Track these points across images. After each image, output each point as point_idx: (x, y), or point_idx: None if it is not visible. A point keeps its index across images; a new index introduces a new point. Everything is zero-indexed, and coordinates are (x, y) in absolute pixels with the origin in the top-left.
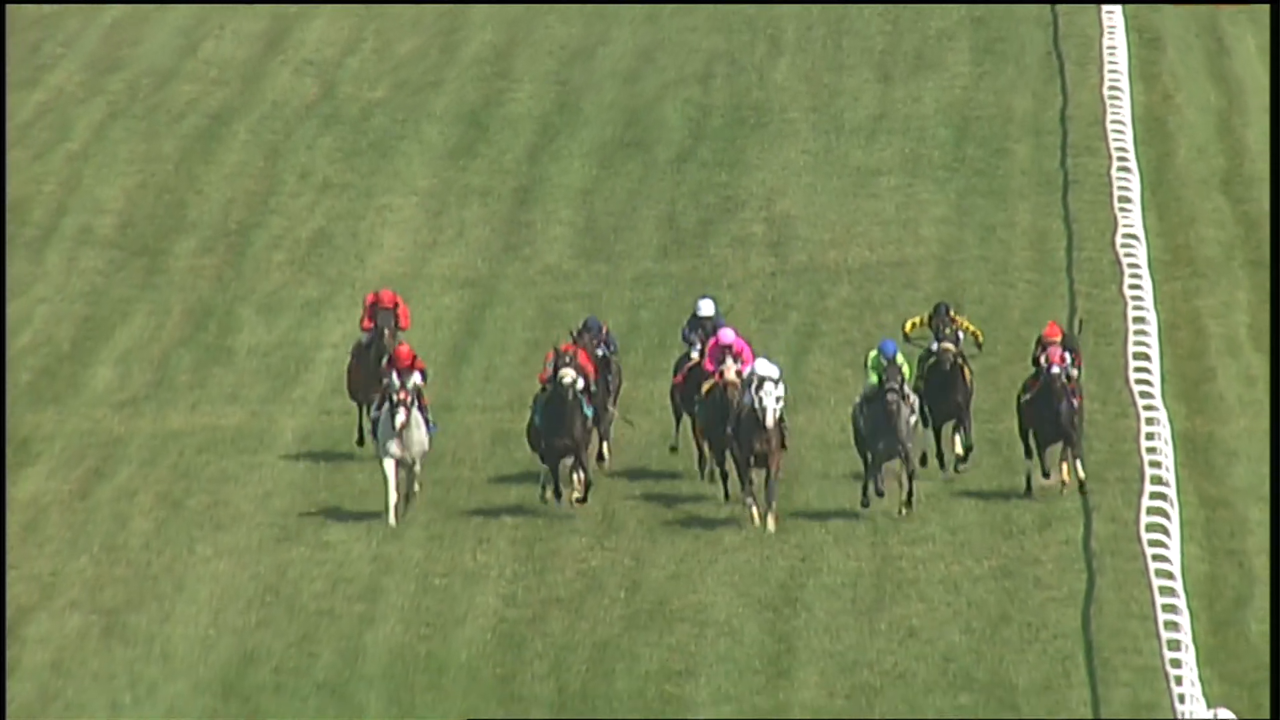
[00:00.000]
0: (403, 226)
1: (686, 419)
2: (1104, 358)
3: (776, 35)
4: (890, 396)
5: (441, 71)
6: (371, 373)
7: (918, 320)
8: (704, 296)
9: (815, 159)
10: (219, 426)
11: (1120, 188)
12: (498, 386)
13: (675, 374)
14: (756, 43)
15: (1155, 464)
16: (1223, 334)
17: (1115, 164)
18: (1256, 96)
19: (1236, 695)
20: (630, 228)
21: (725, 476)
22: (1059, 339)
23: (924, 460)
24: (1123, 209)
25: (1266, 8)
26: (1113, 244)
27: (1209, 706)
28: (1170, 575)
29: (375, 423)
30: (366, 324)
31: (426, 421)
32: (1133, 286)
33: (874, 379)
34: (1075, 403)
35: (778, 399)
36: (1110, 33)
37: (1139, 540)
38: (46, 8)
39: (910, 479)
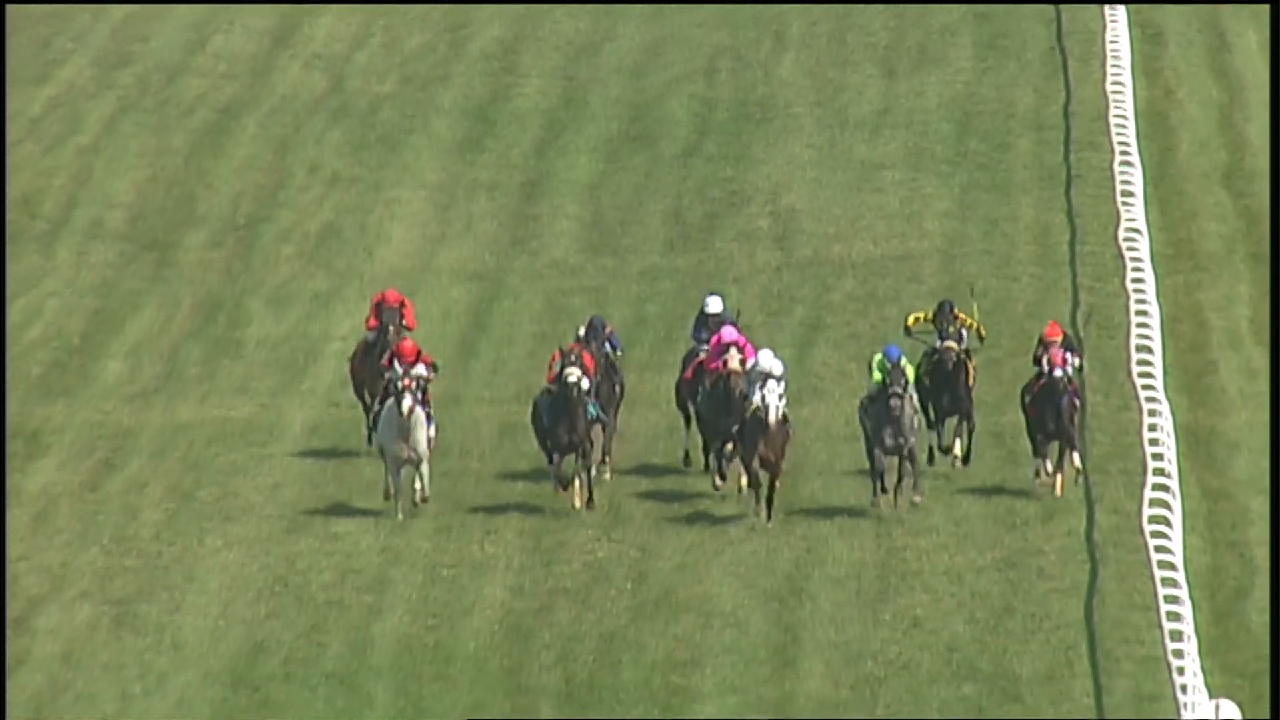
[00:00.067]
0: (411, 220)
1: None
2: (1106, 351)
3: (781, 31)
4: (894, 402)
5: (449, 66)
6: (375, 370)
7: (921, 315)
8: (712, 293)
9: (820, 153)
10: (228, 419)
11: (1123, 182)
12: (505, 379)
13: (683, 370)
14: (762, 38)
15: (1157, 456)
16: (1224, 327)
17: (1118, 158)
18: (1257, 92)
19: (1238, 685)
20: (636, 222)
21: (721, 461)
22: (1059, 339)
23: (931, 458)
24: (1125, 203)
25: (1267, 4)
26: (1115, 238)
27: (1211, 697)
28: (1172, 566)
29: (376, 417)
30: (372, 323)
31: (428, 416)
32: (1135, 280)
33: (878, 377)
34: (1076, 402)
35: (779, 396)
36: (1113, 28)
37: (1141, 532)
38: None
39: (916, 477)
